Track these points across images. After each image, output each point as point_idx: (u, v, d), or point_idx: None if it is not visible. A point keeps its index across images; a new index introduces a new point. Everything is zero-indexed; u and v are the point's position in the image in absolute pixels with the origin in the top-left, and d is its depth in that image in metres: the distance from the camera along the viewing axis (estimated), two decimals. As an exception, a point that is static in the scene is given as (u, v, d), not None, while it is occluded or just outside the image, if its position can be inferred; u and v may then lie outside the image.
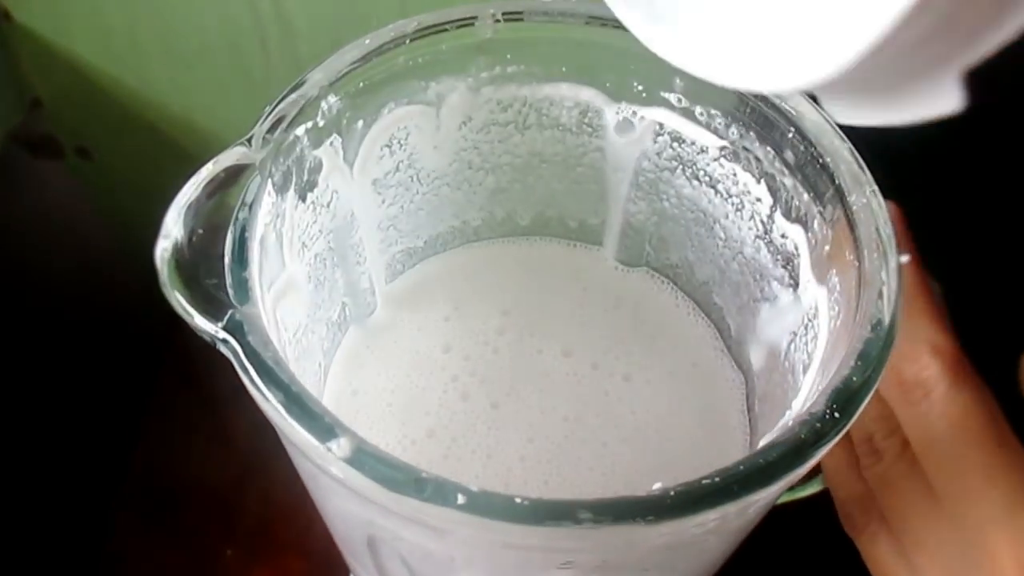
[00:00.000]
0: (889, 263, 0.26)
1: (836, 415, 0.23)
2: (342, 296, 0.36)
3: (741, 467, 0.22)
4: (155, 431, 0.60)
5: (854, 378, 0.24)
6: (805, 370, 0.30)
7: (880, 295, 0.25)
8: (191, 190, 0.27)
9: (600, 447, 0.35)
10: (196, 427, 0.60)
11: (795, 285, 0.32)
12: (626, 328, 0.38)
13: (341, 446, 0.22)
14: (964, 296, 0.32)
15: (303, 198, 0.31)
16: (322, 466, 0.23)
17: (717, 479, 0.22)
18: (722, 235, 0.35)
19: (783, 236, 0.32)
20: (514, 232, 0.40)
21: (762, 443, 0.30)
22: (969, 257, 0.37)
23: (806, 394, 0.29)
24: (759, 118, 0.31)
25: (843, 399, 0.23)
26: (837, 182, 0.28)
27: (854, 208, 0.27)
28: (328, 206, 0.33)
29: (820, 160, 0.29)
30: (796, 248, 0.31)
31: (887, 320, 0.25)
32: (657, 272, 0.40)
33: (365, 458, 0.22)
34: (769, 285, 0.33)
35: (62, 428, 0.56)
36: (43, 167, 0.63)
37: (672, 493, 0.21)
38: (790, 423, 0.26)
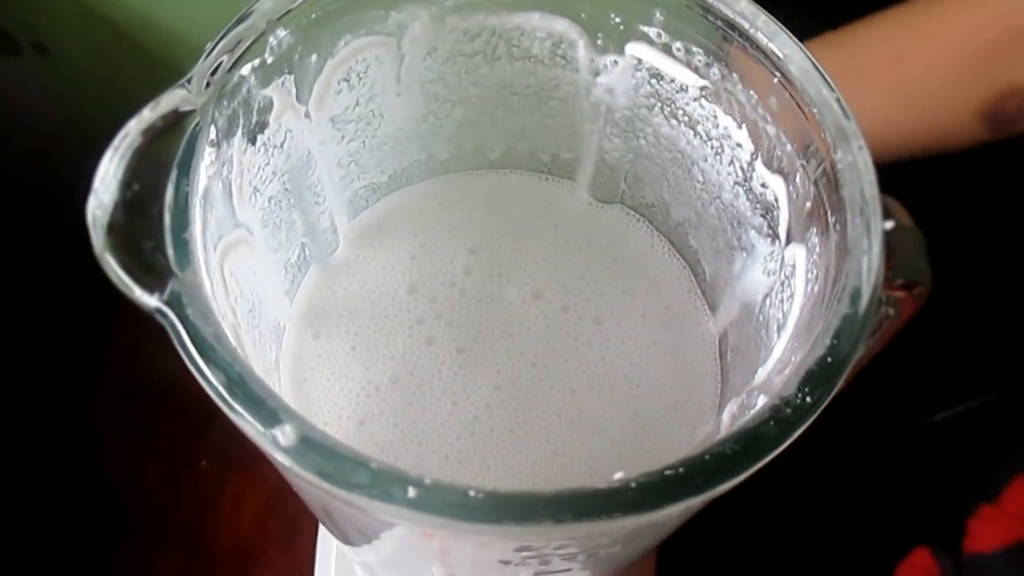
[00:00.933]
0: (873, 230, 0.24)
1: (807, 399, 0.22)
2: (301, 237, 0.34)
3: (706, 456, 0.21)
4: (127, 333, 0.59)
5: (828, 359, 0.22)
6: (779, 330, 0.28)
7: (861, 265, 0.24)
8: (124, 141, 0.25)
9: (569, 394, 0.34)
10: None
11: (773, 236, 0.30)
12: (598, 268, 0.37)
13: (286, 434, 0.21)
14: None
15: (252, 141, 0.29)
16: (267, 452, 0.21)
17: (681, 470, 0.21)
18: (700, 178, 0.33)
19: (763, 186, 0.30)
20: (483, 165, 0.38)
21: (725, 415, 0.30)
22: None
23: (777, 357, 0.28)
24: (742, 59, 0.29)
25: (815, 381, 0.22)
26: (823, 135, 0.26)
27: (839, 166, 0.26)
28: (281, 147, 0.31)
29: (805, 109, 0.27)
30: (776, 200, 0.29)
31: (867, 293, 0.23)
32: (632, 210, 0.38)
33: (311, 449, 0.21)
34: (747, 233, 0.32)
35: (30, 330, 0.55)
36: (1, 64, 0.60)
37: (633, 486, 0.20)
38: (759, 405, 0.25)
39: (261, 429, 0.21)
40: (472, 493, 0.20)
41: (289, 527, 0.54)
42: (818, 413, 0.22)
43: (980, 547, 0.46)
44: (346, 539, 0.34)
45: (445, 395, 0.34)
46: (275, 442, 0.21)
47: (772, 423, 0.21)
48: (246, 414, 0.21)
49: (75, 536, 0.53)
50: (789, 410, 0.22)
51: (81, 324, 0.58)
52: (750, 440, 0.21)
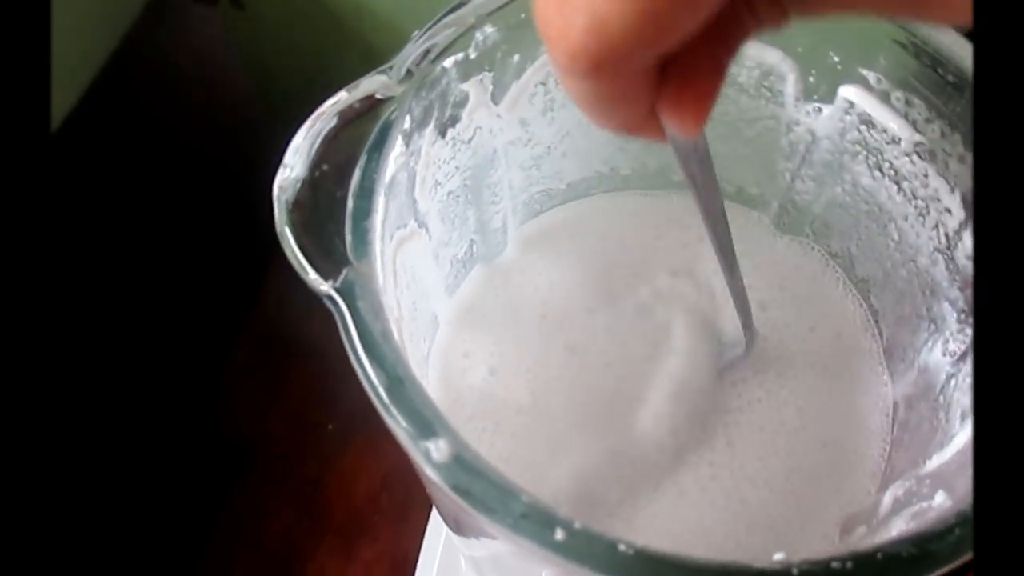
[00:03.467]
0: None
1: (1002, 514, 0.20)
2: (471, 234, 0.34)
3: (879, 555, 0.19)
4: (272, 297, 0.61)
5: (1031, 471, 0.20)
6: (964, 418, 0.26)
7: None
8: (321, 120, 0.25)
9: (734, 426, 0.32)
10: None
11: (968, 313, 0.28)
12: (778, 301, 0.35)
13: (440, 448, 0.20)
14: None
15: (443, 134, 0.29)
16: (417, 462, 0.21)
17: (849, 564, 0.19)
18: (896, 236, 0.31)
19: (968, 258, 0.28)
20: (666, 186, 0.37)
21: (887, 497, 0.28)
22: None
23: (959, 448, 0.25)
24: (969, 120, 0.27)
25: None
26: (1052, 219, 0.24)
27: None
28: (469, 143, 0.30)
29: (1036, 187, 0.24)
30: (983, 277, 0.27)
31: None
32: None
33: (463, 469, 0.20)
34: (939, 304, 0.30)
35: (187, 282, 0.56)
36: (199, 13, 0.62)
37: (795, 572, 0.19)
38: (936, 500, 0.23)
39: (415, 439, 0.21)
40: (622, 548, 0.19)
41: (401, 506, 0.54)
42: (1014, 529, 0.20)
43: None
44: (459, 531, 0.34)
45: (595, 419, 0.33)
46: (427, 455, 0.20)
47: (956, 531, 0.19)
48: (402, 420, 0.21)
49: (201, 476, 0.55)
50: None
51: (233, 283, 0.60)
52: (930, 545, 0.19)
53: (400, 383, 0.21)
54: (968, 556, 0.20)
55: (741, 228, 0.36)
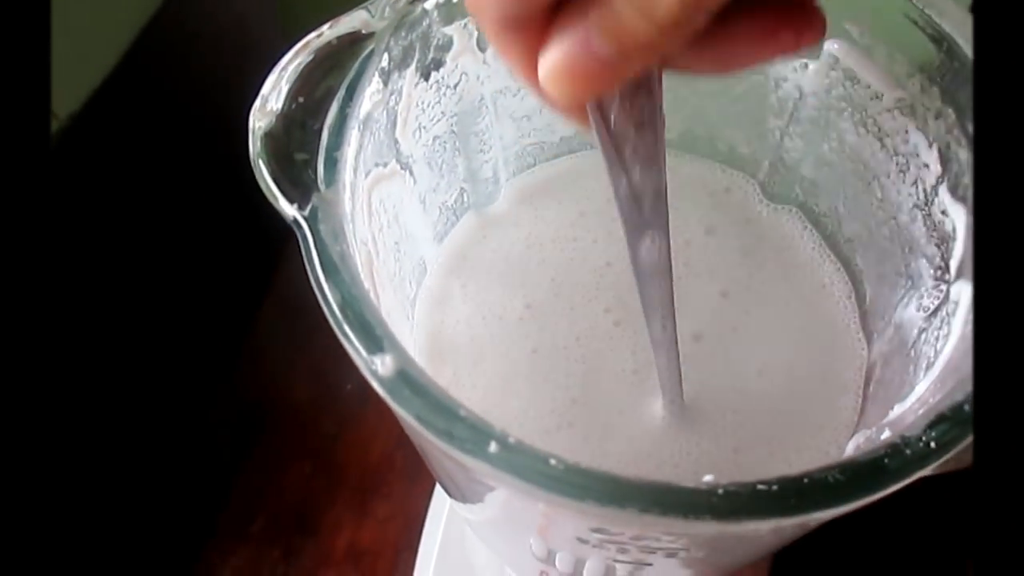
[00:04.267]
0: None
1: (931, 444, 0.20)
2: (461, 182, 0.34)
3: (805, 480, 0.20)
4: (294, 260, 0.62)
5: (966, 406, 0.20)
6: (927, 369, 0.26)
7: None
8: (299, 54, 0.26)
9: (715, 381, 0.33)
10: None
11: (943, 269, 0.28)
12: (764, 267, 0.35)
13: (385, 364, 0.21)
14: None
15: (426, 77, 0.29)
16: (366, 376, 0.22)
17: (774, 487, 0.19)
18: (879, 194, 0.31)
19: (943, 213, 0.28)
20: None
21: (850, 446, 0.28)
22: None
23: (918, 396, 0.25)
24: (947, 72, 0.27)
25: (945, 429, 0.20)
26: (1017, 169, 0.24)
27: (1030, 205, 0.23)
28: (455, 88, 0.31)
29: (1005, 138, 0.24)
30: (954, 230, 0.27)
31: None
32: (804, 216, 0.36)
33: (405, 383, 0.21)
34: (916, 261, 0.30)
35: (215, 244, 0.58)
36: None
37: (720, 492, 0.19)
38: (882, 437, 0.23)
39: (363, 354, 0.21)
40: (552, 462, 0.20)
41: (415, 466, 0.55)
42: (940, 462, 0.20)
43: None
44: (445, 490, 0.34)
45: (584, 361, 0.33)
46: (373, 369, 0.21)
47: (885, 460, 0.20)
48: (352, 336, 0.22)
49: (223, 430, 0.56)
50: (908, 451, 0.20)
51: (257, 249, 0.61)
52: (856, 472, 0.20)
53: (353, 300, 0.22)
54: (895, 487, 0.20)
55: (728, 197, 0.37)
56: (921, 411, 0.23)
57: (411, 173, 0.31)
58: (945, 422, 0.20)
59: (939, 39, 0.27)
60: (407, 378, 0.21)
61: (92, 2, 0.46)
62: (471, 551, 0.47)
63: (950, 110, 0.27)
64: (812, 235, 0.36)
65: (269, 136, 0.24)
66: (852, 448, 0.28)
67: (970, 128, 0.26)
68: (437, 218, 0.34)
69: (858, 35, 0.29)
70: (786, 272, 0.35)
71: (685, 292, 0.34)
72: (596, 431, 0.31)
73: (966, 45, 0.26)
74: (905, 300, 0.30)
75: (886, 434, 0.24)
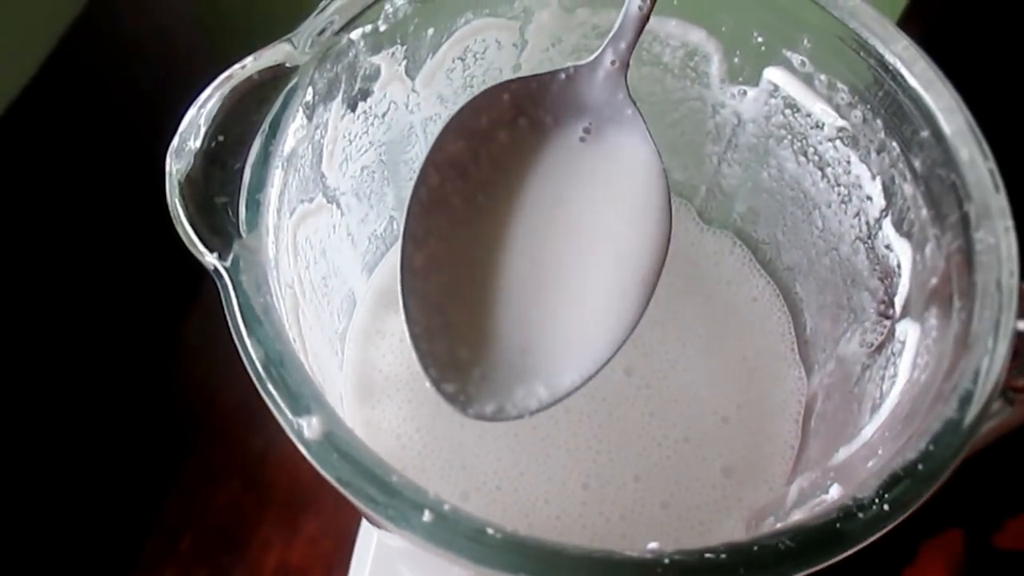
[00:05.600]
0: (1003, 328, 0.21)
1: (884, 507, 0.19)
2: (390, 211, 0.33)
3: (755, 548, 0.19)
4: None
5: (919, 466, 0.20)
6: (873, 411, 0.26)
7: (980, 365, 0.21)
8: (219, 89, 0.24)
9: (647, 416, 0.32)
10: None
11: (887, 305, 0.27)
12: (695, 294, 0.34)
13: (312, 426, 0.20)
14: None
15: (352, 108, 0.28)
16: (291, 438, 0.20)
17: (723, 556, 0.19)
18: (820, 224, 0.31)
19: (887, 247, 0.27)
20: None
21: (793, 488, 0.27)
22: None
23: (864, 441, 0.25)
24: (892, 105, 0.26)
25: (899, 488, 0.19)
26: (965, 208, 0.23)
27: (978, 246, 0.23)
28: (383, 118, 0.29)
29: (953, 176, 0.24)
30: (898, 266, 0.27)
31: (979, 401, 0.21)
32: (741, 243, 0.35)
33: (334, 448, 0.19)
34: (859, 294, 0.29)
35: (142, 251, 0.56)
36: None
37: (666, 562, 0.18)
38: (831, 494, 0.22)
39: (288, 415, 0.20)
40: (490, 531, 0.18)
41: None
42: (893, 526, 0.19)
43: (1013, 545, 0.44)
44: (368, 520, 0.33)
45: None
46: (299, 432, 0.20)
47: (837, 525, 0.19)
48: (276, 396, 0.20)
49: (149, 448, 0.54)
50: (860, 515, 0.19)
51: (185, 257, 0.59)
52: (808, 539, 0.19)
53: (277, 357, 0.20)
54: (848, 552, 0.19)
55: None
56: (871, 463, 0.22)
57: (338, 206, 0.29)
58: (899, 482, 0.19)
59: (882, 69, 0.26)
60: (335, 441, 0.20)
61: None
62: (403, 569, 0.46)
63: (894, 143, 0.26)
64: (751, 262, 0.35)
65: (187, 179, 0.23)
66: (795, 490, 0.27)
67: (916, 163, 0.25)
68: (366, 249, 0.33)
69: (798, 63, 0.28)
70: (721, 298, 0.34)
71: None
72: (520, 478, 0.30)
73: (911, 78, 0.25)
74: (848, 334, 0.29)
75: (833, 486, 0.23)
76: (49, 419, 0.49)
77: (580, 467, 0.31)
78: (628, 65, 0.27)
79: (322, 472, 0.19)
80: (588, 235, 0.27)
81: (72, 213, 0.50)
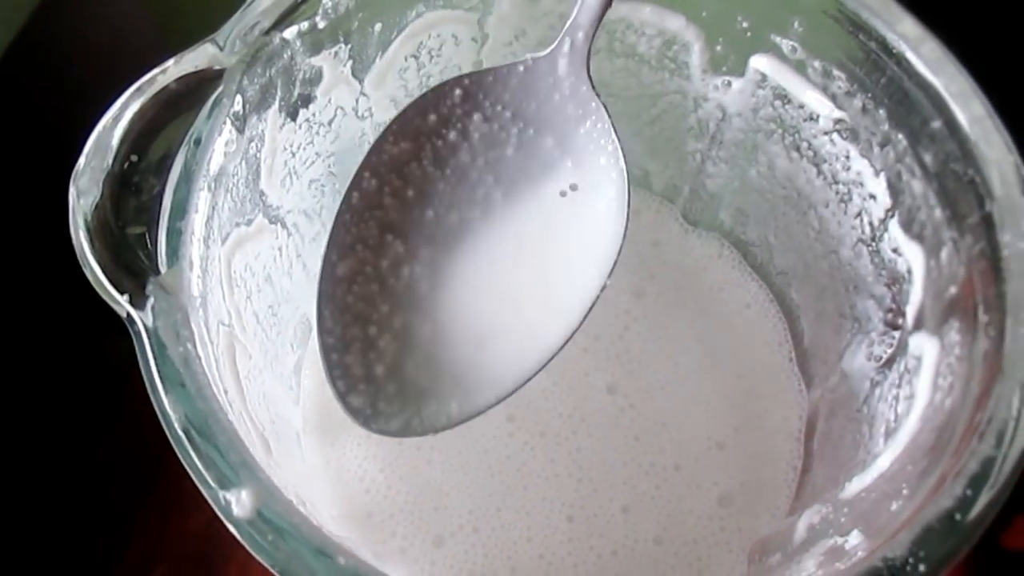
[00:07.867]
0: (1040, 346, 0.19)
1: (920, 566, 0.16)
2: (344, 226, 0.30)
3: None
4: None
5: (957, 515, 0.17)
6: (888, 435, 0.23)
7: (1017, 394, 0.18)
8: (132, 101, 0.21)
9: (636, 436, 0.29)
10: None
11: (895, 314, 0.25)
12: (680, 305, 0.31)
13: (241, 501, 0.17)
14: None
15: (292, 116, 0.25)
16: (219, 515, 0.17)
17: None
18: (816, 225, 0.28)
19: (895, 251, 0.24)
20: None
21: (802, 524, 0.24)
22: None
23: (881, 471, 0.22)
24: (897, 92, 0.23)
25: (935, 544, 0.17)
26: (987, 209, 0.21)
27: (1004, 251, 0.20)
28: (329, 125, 0.26)
29: (971, 172, 0.21)
30: (908, 272, 0.24)
31: (1022, 434, 0.18)
32: (731, 245, 0.32)
33: (268, 527, 0.16)
34: (863, 302, 0.26)
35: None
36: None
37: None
38: (851, 540, 0.19)
39: (213, 487, 0.17)
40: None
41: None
42: (931, 586, 0.16)
43: (1020, 544, 0.42)
44: None
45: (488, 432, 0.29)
46: (226, 508, 0.17)
47: (868, 596, 0.16)
48: (199, 464, 0.17)
49: (117, 477, 0.52)
50: (894, 578, 0.16)
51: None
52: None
53: (198, 419, 0.17)
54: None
55: (649, 220, 0.33)
56: (895, 504, 0.19)
57: (283, 226, 0.26)
58: (935, 536, 0.17)
59: (884, 53, 0.23)
60: (269, 520, 0.17)
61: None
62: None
63: (900, 136, 0.23)
64: (741, 265, 0.32)
65: (95, 209, 0.20)
66: (804, 526, 0.24)
67: (926, 157, 0.22)
68: (320, 270, 0.30)
69: (789, 49, 0.25)
70: (714, 309, 0.31)
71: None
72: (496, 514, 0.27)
73: (918, 61, 0.22)
74: (852, 345, 0.27)
75: (853, 532, 0.20)
76: (10, 450, 0.46)
77: (562, 497, 0.29)
78: (589, 53, 0.24)
79: (256, 557, 0.16)
80: (528, 250, 0.24)
81: (18, 238, 0.47)
